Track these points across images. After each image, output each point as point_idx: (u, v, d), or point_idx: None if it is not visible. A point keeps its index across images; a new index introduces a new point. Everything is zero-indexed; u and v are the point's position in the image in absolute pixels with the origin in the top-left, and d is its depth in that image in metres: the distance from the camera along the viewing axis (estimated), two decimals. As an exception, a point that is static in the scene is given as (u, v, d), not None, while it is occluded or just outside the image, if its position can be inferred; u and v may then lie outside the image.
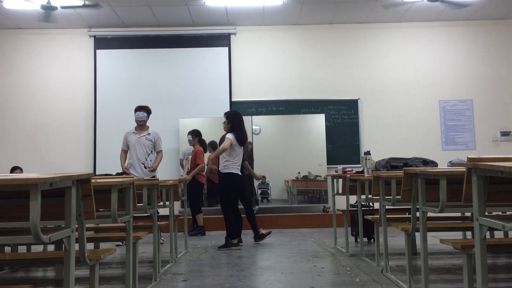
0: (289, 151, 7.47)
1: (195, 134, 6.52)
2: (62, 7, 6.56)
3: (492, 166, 1.92)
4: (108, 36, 7.90)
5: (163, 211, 4.96)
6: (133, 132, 5.66)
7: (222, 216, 6.83)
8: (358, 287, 3.34)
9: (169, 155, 7.48)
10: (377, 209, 4.21)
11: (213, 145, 6.90)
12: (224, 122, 5.35)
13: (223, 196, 5.24)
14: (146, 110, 5.67)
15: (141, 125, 5.63)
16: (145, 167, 5.53)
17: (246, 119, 7.48)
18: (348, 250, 4.62)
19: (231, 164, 5.16)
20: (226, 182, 5.20)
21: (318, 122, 7.56)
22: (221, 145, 5.19)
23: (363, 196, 4.35)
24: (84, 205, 2.19)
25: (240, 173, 5.26)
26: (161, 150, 5.69)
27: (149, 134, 5.62)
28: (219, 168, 5.24)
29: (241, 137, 5.23)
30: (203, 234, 6.48)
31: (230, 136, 5.15)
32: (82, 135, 7.75)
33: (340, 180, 5.02)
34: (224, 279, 3.66)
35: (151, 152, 5.60)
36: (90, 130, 7.73)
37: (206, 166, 6.40)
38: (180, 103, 7.73)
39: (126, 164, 5.58)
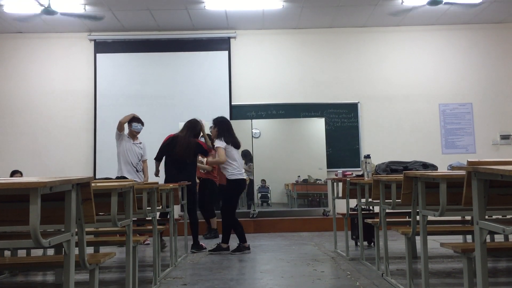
0: (289, 155, 7.47)
1: None
2: (62, 14, 6.57)
3: (492, 169, 1.92)
4: (108, 40, 7.91)
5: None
6: (127, 137, 5.87)
7: (220, 220, 6.86)
8: (359, 291, 3.34)
9: (169, 159, 7.47)
10: (377, 213, 4.21)
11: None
12: (210, 127, 5.39)
13: (227, 201, 5.16)
14: (142, 123, 5.92)
15: (135, 136, 5.92)
16: (137, 171, 5.83)
17: (246, 123, 7.52)
18: (348, 254, 4.62)
19: (235, 170, 5.12)
20: (233, 189, 5.13)
21: (318, 125, 7.56)
22: (216, 159, 5.12)
23: (363, 200, 4.34)
24: (84, 209, 2.19)
25: (244, 178, 5.24)
26: (146, 159, 6.04)
27: (140, 143, 5.96)
28: (225, 173, 5.16)
29: (232, 140, 5.18)
30: (217, 237, 6.45)
31: (219, 144, 5.10)
32: (82, 138, 7.75)
33: (340, 184, 5.02)
34: (224, 283, 3.65)
35: (140, 159, 5.93)
36: (90, 134, 7.73)
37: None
38: (180, 107, 7.74)
39: (121, 169, 5.77)
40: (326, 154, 7.48)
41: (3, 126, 7.78)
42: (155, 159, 5.46)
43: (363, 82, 7.93)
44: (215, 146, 5.14)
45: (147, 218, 3.69)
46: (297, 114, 7.78)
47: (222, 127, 5.21)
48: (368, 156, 4.51)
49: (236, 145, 5.22)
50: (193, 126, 5.49)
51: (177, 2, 6.83)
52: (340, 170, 5.66)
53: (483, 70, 7.96)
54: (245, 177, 5.29)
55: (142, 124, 5.90)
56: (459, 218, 4.53)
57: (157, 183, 3.99)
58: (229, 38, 7.95)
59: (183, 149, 5.27)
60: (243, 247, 5.10)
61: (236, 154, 5.22)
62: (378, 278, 3.69)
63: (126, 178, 5.31)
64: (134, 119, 5.85)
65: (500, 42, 7.99)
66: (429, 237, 3.01)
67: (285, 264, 4.39)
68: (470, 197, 2.15)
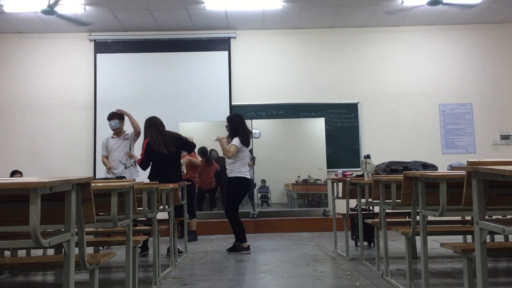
0: (289, 155, 7.47)
1: None
2: (58, 16, 6.54)
3: (492, 169, 1.92)
4: (108, 40, 7.91)
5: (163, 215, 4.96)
6: (112, 137, 5.70)
7: (215, 220, 6.90)
8: (359, 291, 3.34)
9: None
10: (377, 213, 4.21)
11: (203, 152, 6.92)
12: (226, 126, 5.30)
13: (233, 200, 5.14)
14: (118, 116, 5.66)
15: (117, 133, 5.69)
16: (126, 167, 5.58)
17: (246, 123, 7.50)
18: (348, 254, 4.62)
19: (242, 168, 5.12)
20: (239, 186, 5.12)
21: (318, 125, 7.56)
22: (228, 150, 5.05)
23: (363, 200, 4.34)
24: (84, 209, 2.19)
25: (250, 178, 5.22)
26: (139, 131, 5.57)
27: (126, 135, 5.68)
28: (230, 171, 5.14)
29: (247, 140, 5.18)
30: (196, 239, 6.39)
31: (235, 142, 5.09)
32: (82, 139, 7.75)
33: (340, 184, 5.02)
34: (224, 283, 3.65)
35: (130, 150, 5.65)
36: (90, 134, 7.73)
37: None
38: (180, 107, 7.74)
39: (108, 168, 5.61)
40: (326, 154, 7.48)
41: (3, 126, 7.78)
42: (140, 165, 5.18)
43: (363, 82, 7.93)
44: (231, 143, 5.09)
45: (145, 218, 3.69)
46: (297, 114, 7.78)
47: (238, 125, 5.19)
48: (368, 156, 4.51)
49: (247, 144, 5.19)
50: (150, 123, 5.20)
51: (177, 2, 6.83)
52: (340, 170, 5.66)
53: (483, 70, 7.96)
54: (250, 178, 5.27)
55: (118, 118, 5.62)
56: (459, 218, 4.53)
57: (157, 182, 3.98)
58: (229, 38, 7.95)
59: (159, 144, 5.04)
60: (240, 248, 5.10)
61: (247, 155, 5.25)
62: (378, 278, 3.69)
63: (125, 178, 5.29)
64: (108, 117, 5.66)
65: (499, 42, 7.99)
66: (429, 237, 3.01)
67: (285, 264, 4.39)
68: (470, 197, 2.15)
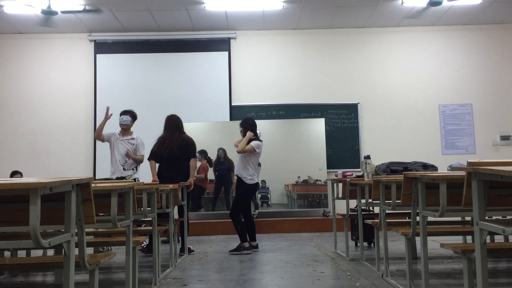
0: (289, 155, 7.46)
1: None
2: (63, 12, 6.57)
3: (492, 170, 1.92)
4: (108, 41, 7.91)
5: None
6: (118, 134, 5.60)
7: (215, 221, 6.94)
8: (358, 292, 3.34)
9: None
10: (377, 214, 4.21)
11: (204, 154, 6.98)
12: (240, 130, 5.39)
13: (241, 203, 5.24)
14: (131, 114, 5.60)
15: (125, 129, 5.58)
16: (124, 169, 5.46)
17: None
18: (348, 255, 4.62)
19: (254, 176, 5.27)
20: (251, 192, 5.36)
21: (318, 126, 7.56)
22: (246, 147, 5.17)
23: (363, 201, 4.34)
24: (84, 210, 2.19)
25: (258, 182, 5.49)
26: (143, 155, 5.55)
27: (132, 138, 5.56)
28: (243, 177, 5.20)
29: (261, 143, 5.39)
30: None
31: (254, 143, 5.22)
32: (82, 139, 7.74)
33: (340, 184, 5.02)
34: (224, 284, 3.65)
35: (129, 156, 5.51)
36: (90, 135, 7.72)
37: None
38: (180, 108, 7.70)
39: (111, 171, 5.54)
40: (326, 154, 7.48)
41: (3, 126, 7.78)
42: (148, 158, 5.26)
43: (363, 82, 7.93)
44: (252, 143, 5.21)
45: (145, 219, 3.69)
46: (297, 115, 7.78)
47: (249, 130, 5.32)
48: (368, 157, 4.50)
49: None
50: (176, 122, 5.34)
51: (177, 3, 6.84)
52: (340, 171, 5.66)
53: (483, 70, 7.96)
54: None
55: (131, 116, 5.57)
56: (459, 218, 4.53)
57: (157, 183, 3.99)
58: (229, 38, 7.95)
59: (174, 147, 5.14)
60: (241, 247, 5.12)
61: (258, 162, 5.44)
62: (378, 279, 3.69)
63: (125, 178, 5.28)
64: (121, 113, 5.60)
65: (500, 43, 7.99)
66: (429, 238, 3.00)
67: (285, 265, 4.39)
68: (470, 197, 2.15)
